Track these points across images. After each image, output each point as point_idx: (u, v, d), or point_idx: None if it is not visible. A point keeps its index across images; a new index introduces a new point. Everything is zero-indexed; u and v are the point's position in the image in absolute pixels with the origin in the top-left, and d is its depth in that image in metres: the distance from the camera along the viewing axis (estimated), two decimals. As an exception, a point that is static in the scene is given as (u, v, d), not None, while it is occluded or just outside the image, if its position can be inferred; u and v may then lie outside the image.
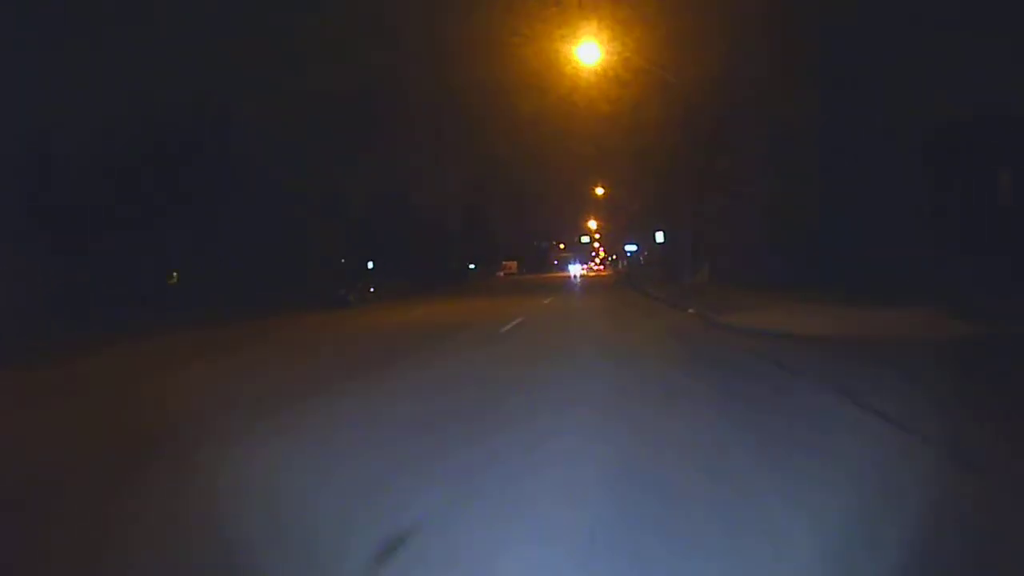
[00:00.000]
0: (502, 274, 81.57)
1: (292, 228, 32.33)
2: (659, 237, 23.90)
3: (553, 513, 2.64)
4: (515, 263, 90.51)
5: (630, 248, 45.51)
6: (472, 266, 62.51)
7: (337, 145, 35.05)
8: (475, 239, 70.45)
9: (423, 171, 54.73)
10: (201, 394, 6.26)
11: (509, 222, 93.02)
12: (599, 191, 45.76)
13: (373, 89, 37.19)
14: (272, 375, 7.30)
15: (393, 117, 47.56)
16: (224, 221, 26.03)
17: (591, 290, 26.04)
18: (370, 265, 37.18)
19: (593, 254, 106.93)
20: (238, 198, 26.61)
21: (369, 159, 40.31)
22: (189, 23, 25.34)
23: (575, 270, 74.00)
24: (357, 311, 19.99)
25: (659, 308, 13.53)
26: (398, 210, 46.48)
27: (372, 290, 29.18)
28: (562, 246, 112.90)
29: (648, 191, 30.46)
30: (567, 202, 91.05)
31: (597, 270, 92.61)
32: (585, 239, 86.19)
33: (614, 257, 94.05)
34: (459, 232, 62.49)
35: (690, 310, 12.12)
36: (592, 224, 79.62)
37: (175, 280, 28.14)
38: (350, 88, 33.67)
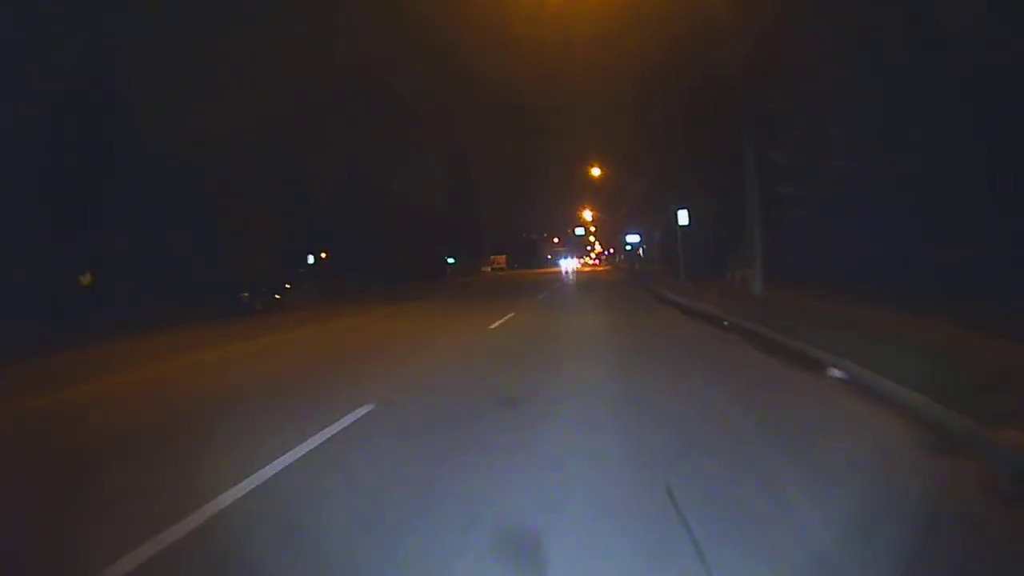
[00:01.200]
0: (488, 269, 74.52)
1: (228, 222, 26.82)
2: (682, 217, 16.62)
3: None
4: (503, 257, 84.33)
5: (632, 239, 38.09)
6: (451, 260, 55.00)
7: (304, 135, 31.44)
8: (461, 231, 63.26)
9: (404, 160, 48.63)
10: None
11: (499, 214, 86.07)
12: (595, 171, 38.27)
13: (345, 78, 34.41)
14: None
15: (369, 104, 42.13)
16: (145, 215, 23.41)
17: (587, 295, 18.58)
18: (310, 260, 29.83)
19: (588, 248, 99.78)
20: (165, 191, 24.11)
21: (341, 148, 36.64)
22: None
23: (568, 265, 66.33)
24: (249, 323, 13.92)
25: (764, 368, 5.30)
26: (370, 199, 40.32)
27: (288, 288, 22.55)
28: (556, 240, 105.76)
29: (660, 160, 23.13)
30: (561, 189, 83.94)
31: (593, 265, 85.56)
32: (580, 231, 78.66)
33: (611, 251, 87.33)
34: (442, 224, 55.32)
35: (906, 401, 4.73)
36: (588, 215, 72.16)
37: (88, 282, 24.26)
38: (319, 77, 31.26)
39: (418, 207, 51.80)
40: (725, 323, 8.44)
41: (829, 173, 12.48)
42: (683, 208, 16.74)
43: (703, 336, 7.54)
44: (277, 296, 20.92)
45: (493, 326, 9.07)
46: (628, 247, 56.23)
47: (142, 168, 24.46)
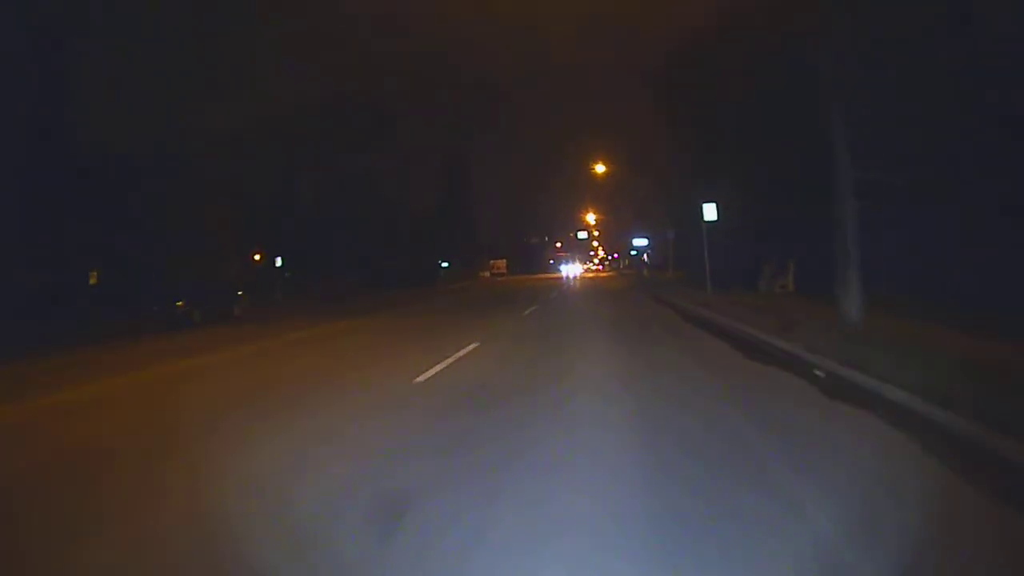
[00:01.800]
0: (487, 274, 71.16)
1: (185, 223, 24.06)
2: (709, 212, 13.07)
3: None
4: (503, 262, 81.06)
5: (640, 242, 34.53)
6: (445, 264, 51.57)
7: (296, 133, 29.56)
8: (458, 233, 59.93)
9: (399, 159, 45.90)
10: None
11: (500, 217, 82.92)
12: (600, 168, 34.71)
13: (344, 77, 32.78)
14: None
15: (365, 103, 39.59)
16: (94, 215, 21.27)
17: (589, 311, 15.04)
18: (278, 262, 26.51)
19: (591, 253, 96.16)
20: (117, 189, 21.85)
21: (336, 148, 34.75)
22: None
23: (569, 271, 62.54)
24: (159, 343, 10.90)
25: None
26: (361, 200, 37.66)
27: (240, 296, 19.38)
28: (559, 244, 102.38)
29: (675, 145, 19.69)
30: (566, 190, 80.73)
31: (596, 270, 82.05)
32: (583, 235, 75.13)
33: (615, 255, 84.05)
34: (438, 226, 52.02)
35: None
36: (591, 218, 68.63)
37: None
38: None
39: (413, 208, 48.77)
40: (819, 373, 4.94)
41: (916, 154, 8.96)
42: (709, 202, 13.21)
43: (805, 415, 3.99)
44: (227, 306, 17.85)
45: (422, 378, 5.38)
46: (633, 252, 52.77)
47: (103, 167, 21.94)
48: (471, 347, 7.16)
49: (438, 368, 5.79)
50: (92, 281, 23.73)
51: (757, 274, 15.58)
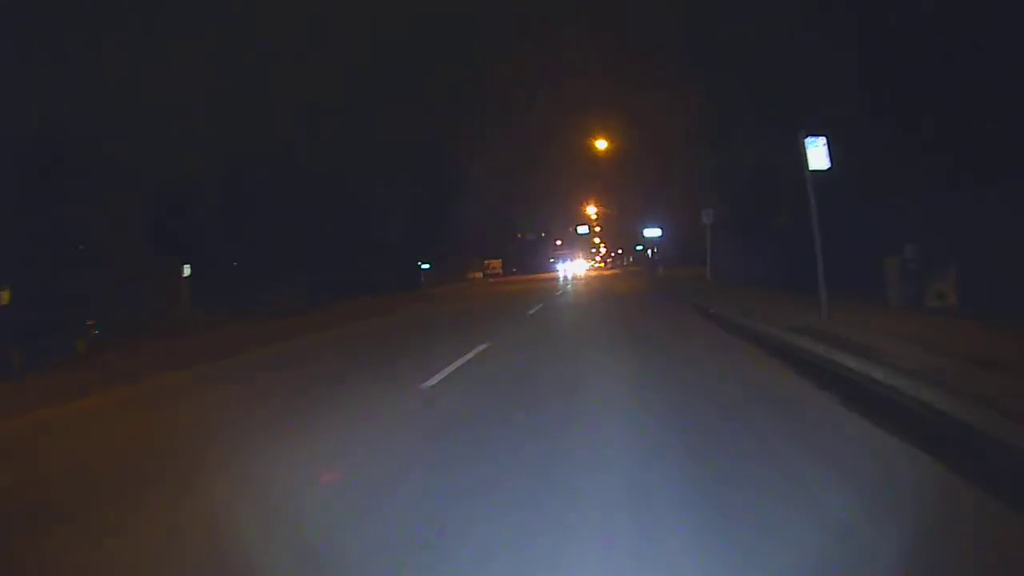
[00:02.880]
0: (480, 275, 65.11)
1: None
2: (817, 157, 6.47)
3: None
4: (499, 262, 75.37)
5: (652, 233, 28.02)
6: (426, 266, 45.17)
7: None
8: (442, 232, 53.66)
9: (370, 148, 39.56)
10: None
11: (493, 212, 76.62)
12: (601, 144, 28.18)
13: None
14: None
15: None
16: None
17: (604, 361, 8.64)
18: (186, 271, 20.29)
19: (593, 250, 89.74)
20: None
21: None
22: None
23: (568, 269, 55.56)
24: None
25: None
26: (320, 193, 31.66)
27: (96, 332, 13.76)
28: (558, 242, 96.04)
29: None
30: (562, 183, 74.26)
31: (600, 268, 75.73)
32: (583, 229, 68.66)
33: (619, 251, 77.96)
34: (419, 222, 45.83)
35: None
36: (592, 211, 62.27)
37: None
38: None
39: (396, 205, 42.73)
40: None
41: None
42: (818, 135, 6.72)
43: None
44: (67, 341, 12.93)
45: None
46: (639, 247, 46.31)
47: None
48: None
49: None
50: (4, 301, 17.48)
51: (875, 274, 9.00)
